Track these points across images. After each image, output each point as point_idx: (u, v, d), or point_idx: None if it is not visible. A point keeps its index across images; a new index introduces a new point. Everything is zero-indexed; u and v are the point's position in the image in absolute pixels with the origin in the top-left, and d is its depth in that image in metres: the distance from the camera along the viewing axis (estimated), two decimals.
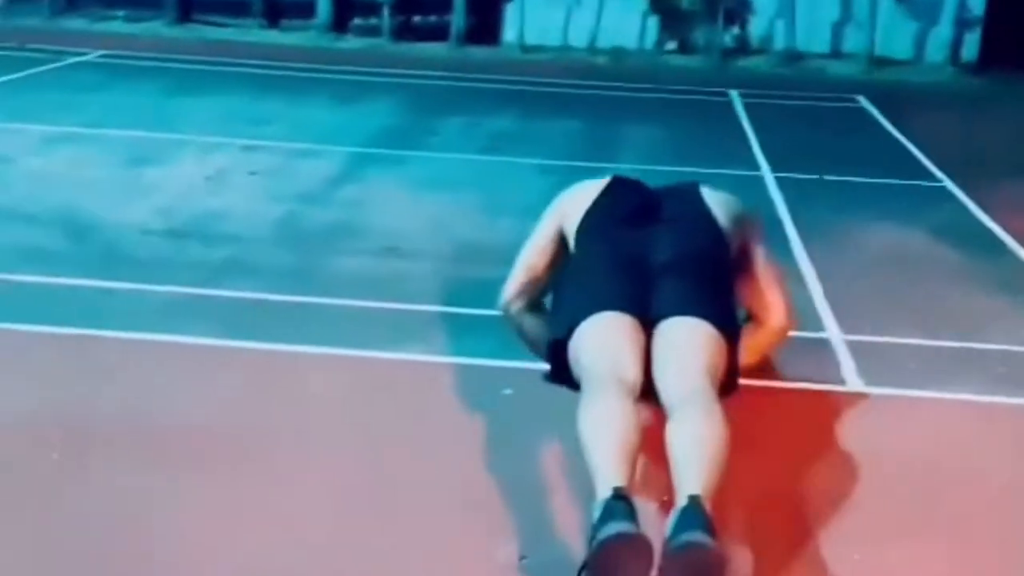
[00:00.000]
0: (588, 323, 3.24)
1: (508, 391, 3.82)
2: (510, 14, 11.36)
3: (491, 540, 2.98)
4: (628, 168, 6.70)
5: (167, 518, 3.04)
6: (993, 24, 11.08)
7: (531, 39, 11.28)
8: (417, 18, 11.88)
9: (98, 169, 6.35)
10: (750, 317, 3.79)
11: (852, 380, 4.05)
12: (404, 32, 11.54)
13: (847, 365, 4.15)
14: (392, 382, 3.93)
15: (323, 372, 3.97)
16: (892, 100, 9.42)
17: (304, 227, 5.56)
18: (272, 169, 6.51)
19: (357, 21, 11.80)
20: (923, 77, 10.88)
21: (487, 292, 4.61)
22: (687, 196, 3.71)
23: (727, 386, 3.27)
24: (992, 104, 9.79)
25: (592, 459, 2.77)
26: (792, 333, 3.89)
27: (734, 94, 9.41)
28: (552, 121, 8.23)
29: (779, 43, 11.21)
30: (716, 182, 3.89)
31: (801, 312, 4.51)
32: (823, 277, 5.01)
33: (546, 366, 3.50)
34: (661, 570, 2.55)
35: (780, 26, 11.21)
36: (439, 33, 11.42)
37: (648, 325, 3.26)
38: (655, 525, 2.74)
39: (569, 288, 3.49)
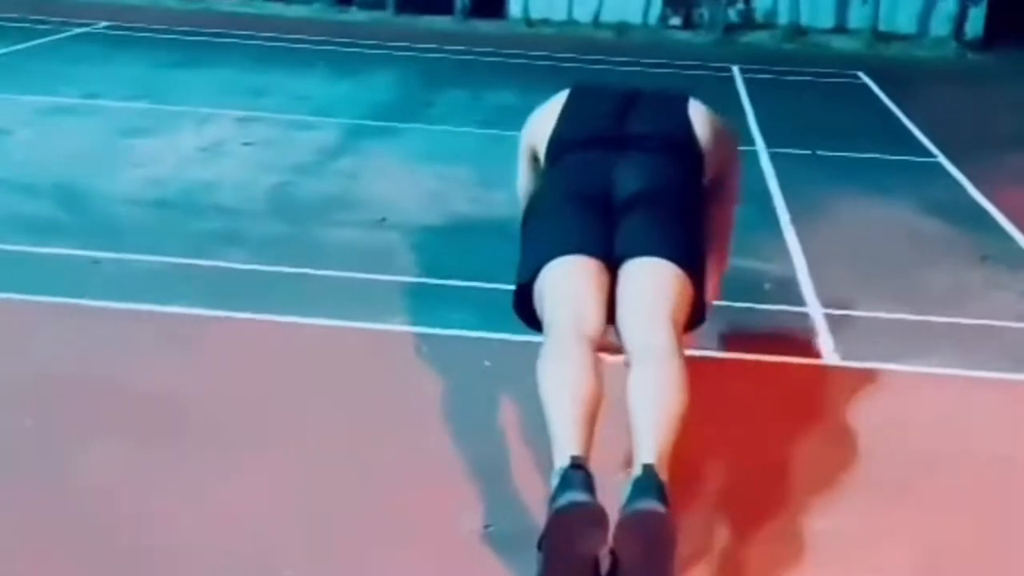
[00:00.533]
0: (550, 268, 3.15)
1: (487, 363, 3.86)
2: None
3: (458, 509, 3.03)
4: None
5: (140, 488, 3.09)
6: (999, 0, 11.04)
7: (536, 13, 11.28)
8: None
9: (92, 140, 6.39)
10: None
11: (828, 353, 4.08)
12: (408, 5, 11.53)
13: (824, 338, 4.19)
14: (373, 353, 3.98)
15: (306, 342, 4.02)
16: (893, 76, 9.40)
17: (296, 198, 5.59)
18: (267, 141, 6.54)
19: None
20: (927, 52, 10.86)
21: (475, 264, 4.68)
22: (670, 109, 3.50)
23: (694, 322, 3.23)
24: (994, 80, 9.77)
25: (551, 425, 2.78)
26: (769, 307, 3.92)
27: (735, 69, 9.40)
28: (553, 95, 8.21)
29: (783, 18, 11.18)
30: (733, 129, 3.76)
31: (782, 286, 4.56)
32: (808, 251, 5.03)
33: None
34: (615, 537, 2.59)
35: (784, 1, 11.18)
36: (444, 6, 11.41)
37: (613, 264, 3.17)
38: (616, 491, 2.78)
39: (533, 228, 3.36)
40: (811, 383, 3.86)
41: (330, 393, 3.67)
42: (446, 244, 5.01)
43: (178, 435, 3.35)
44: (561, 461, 2.69)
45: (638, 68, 9.41)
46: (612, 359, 3.10)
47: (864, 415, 3.65)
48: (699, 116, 3.48)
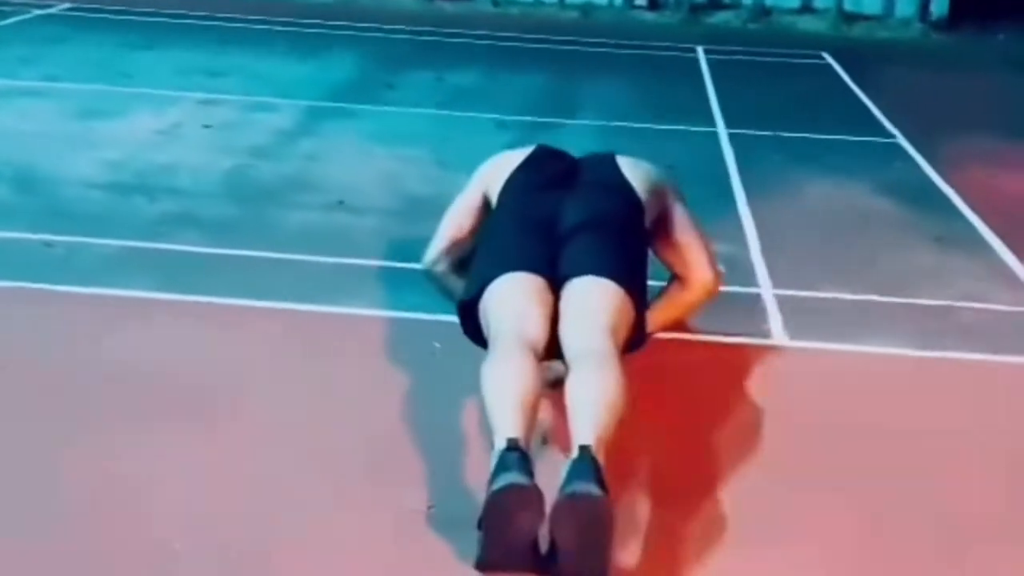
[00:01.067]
0: (496, 283, 3.31)
1: (437, 345, 3.88)
2: None
3: (402, 489, 3.05)
4: (585, 124, 6.80)
5: (102, 469, 3.10)
6: None
7: None
8: None
9: (49, 123, 6.35)
10: (674, 277, 3.86)
11: (778, 334, 4.10)
12: None
13: (775, 319, 4.21)
14: (325, 335, 3.98)
15: (258, 325, 4.02)
16: (858, 57, 9.43)
17: (254, 181, 5.58)
18: (226, 123, 6.51)
19: None
20: (891, 33, 10.89)
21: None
22: (603, 164, 3.80)
23: (633, 343, 3.33)
24: (957, 61, 9.81)
25: (490, 410, 2.84)
26: (721, 288, 3.94)
27: (700, 50, 9.41)
28: (515, 76, 8.22)
29: None
30: (671, 138, 3.97)
31: (735, 267, 4.59)
32: (762, 232, 5.06)
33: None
34: (551, 519, 2.61)
35: None
36: None
37: (557, 285, 3.33)
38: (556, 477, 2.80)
39: (482, 250, 3.57)
40: (759, 363, 3.89)
41: (282, 374, 3.68)
42: (402, 226, 5.02)
43: (130, 417, 3.36)
44: (499, 443, 2.73)
45: (603, 49, 9.40)
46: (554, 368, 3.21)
47: (812, 395, 3.69)
48: (627, 166, 3.78)
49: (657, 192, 3.77)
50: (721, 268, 3.96)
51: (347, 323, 4.07)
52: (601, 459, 2.69)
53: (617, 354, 3.08)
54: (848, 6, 11.06)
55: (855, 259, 4.86)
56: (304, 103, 7.02)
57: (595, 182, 3.71)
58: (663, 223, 3.79)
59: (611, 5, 11.24)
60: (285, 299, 4.19)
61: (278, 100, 7.05)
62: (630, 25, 10.76)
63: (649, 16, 11.16)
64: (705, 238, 3.89)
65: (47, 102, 6.78)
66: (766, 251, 4.85)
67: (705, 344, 4.01)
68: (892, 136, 6.88)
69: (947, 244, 5.07)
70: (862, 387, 3.78)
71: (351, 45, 8.99)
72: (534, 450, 2.88)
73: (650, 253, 3.75)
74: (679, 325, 3.95)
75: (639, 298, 3.37)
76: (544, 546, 2.67)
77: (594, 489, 2.59)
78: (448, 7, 11.12)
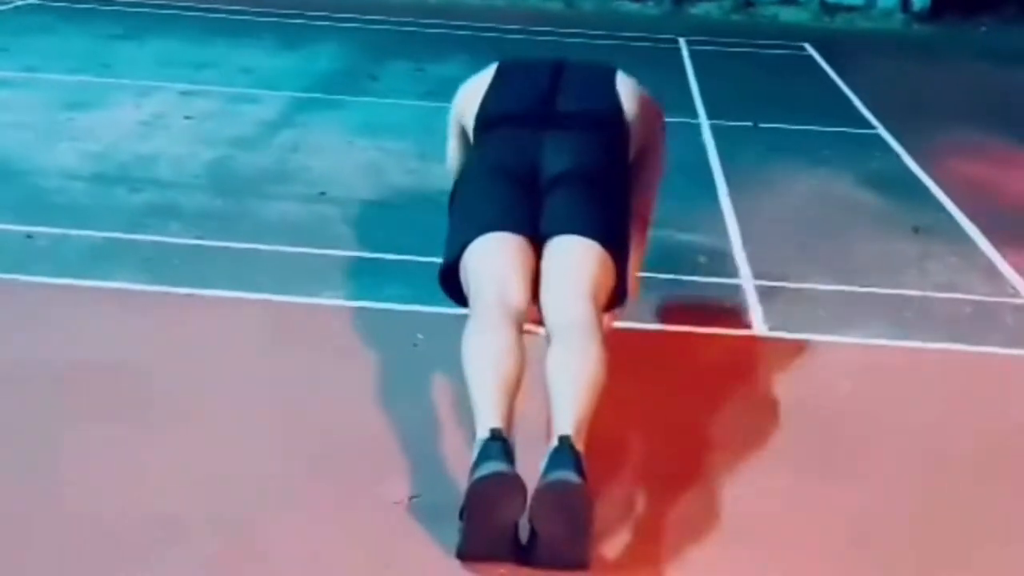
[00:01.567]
0: (476, 245, 3.19)
1: (420, 336, 3.89)
2: None
3: (386, 479, 3.06)
4: None
5: (82, 462, 3.11)
6: None
7: None
8: None
9: (30, 114, 6.32)
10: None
11: (758, 325, 4.12)
12: None
13: (755, 310, 4.23)
14: (307, 326, 3.99)
15: (240, 316, 4.02)
16: (839, 48, 9.45)
17: (235, 172, 5.58)
18: (208, 114, 6.50)
19: None
20: (873, 24, 10.91)
21: (410, 237, 4.69)
22: (597, 83, 3.51)
23: (615, 302, 3.27)
24: (938, 52, 9.84)
25: (473, 397, 2.83)
26: (702, 279, 3.96)
27: (682, 41, 9.42)
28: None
29: None
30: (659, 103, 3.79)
31: (716, 257, 4.61)
32: (743, 223, 5.08)
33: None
34: (531, 508, 2.63)
35: None
36: None
37: (538, 242, 3.21)
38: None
39: (460, 206, 3.39)
40: (739, 354, 3.91)
41: (264, 365, 3.69)
42: (382, 217, 5.02)
43: (111, 408, 3.36)
44: (481, 432, 2.73)
45: (586, 40, 9.41)
46: (540, 331, 3.15)
47: (791, 386, 3.71)
48: (626, 90, 3.51)
49: (648, 126, 3.54)
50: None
51: (329, 314, 4.07)
52: (580, 447, 2.70)
53: (598, 321, 3.02)
54: None
55: (835, 250, 4.89)
56: (286, 94, 7.01)
57: (581, 113, 3.40)
58: (640, 159, 3.54)
59: None
60: (267, 290, 4.20)
61: (260, 91, 7.04)
62: (613, 16, 10.76)
63: (632, 7, 11.16)
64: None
65: (27, 93, 6.76)
66: (747, 242, 4.87)
67: (686, 335, 4.02)
68: (873, 127, 6.91)
69: (926, 235, 5.10)
70: (844, 378, 3.80)
71: (334, 36, 8.97)
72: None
73: None
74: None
75: (622, 256, 3.25)
76: (524, 535, 2.69)
77: (574, 478, 2.60)
78: None
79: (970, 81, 8.58)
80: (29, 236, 4.58)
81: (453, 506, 2.77)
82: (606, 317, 3.21)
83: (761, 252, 4.76)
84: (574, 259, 3.15)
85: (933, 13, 11.08)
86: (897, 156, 6.33)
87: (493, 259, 3.16)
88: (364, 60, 8.17)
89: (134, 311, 4.02)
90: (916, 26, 10.95)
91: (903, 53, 9.77)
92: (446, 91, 7.19)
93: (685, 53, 9.02)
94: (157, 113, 6.45)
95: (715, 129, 6.67)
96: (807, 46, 9.47)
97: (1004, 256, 4.85)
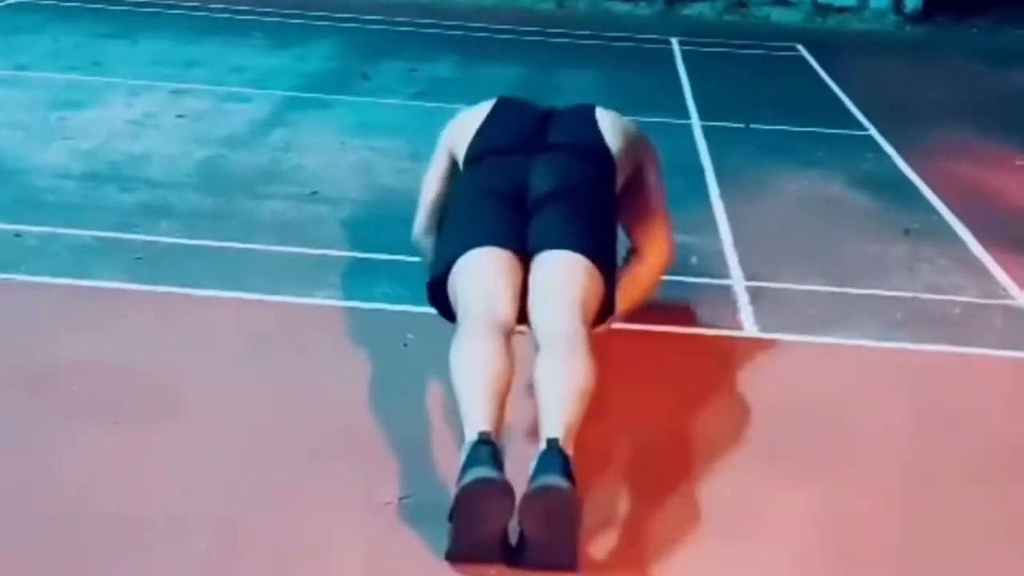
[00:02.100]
0: (464, 259, 3.25)
1: (410, 336, 3.88)
2: None
3: (375, 480, 3.06)
4: None
5: (70, 461, 3.10)
6: None
7: None
8: None
9: (20, 113, 6.30)
10: (633, 251, 3.81)
11: (748, 326, 4.13)
12: None
13: (745, 311, 4.23)
14: (298, 326, 3.99)
15: (230, 316, 4.02)
16: (831, 48, 9.46)
17: (226, 172, 5.57)
18: (200, 113, 6.49)
19: None
20: (866, 25, 10.92)
21: (402, 237, 4.66)
22: (579, 120, 3.66)
23: (603, 316, 3.30)
24: (931, 54, 9.85)
25: (462, 403, 2.84)
26: (692, 279, 3.96)
27: (675, 42, 9.43)
28: (491, 67, 8.22)
29: None
30: (645, 129, 3.90)
31: (707, 258, 4.61)
32: (734, 224, 5.08)
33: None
34: (520, 511, 2.63)
35: None
36: None
37: (526, 258, 3.26)
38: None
39: (450, 223, 3.48)
40: (728, 355, 3.91)
41: (254, 365, 3.69)
42: (374, 217, 5.02)
43: (101, 407, 3.36)
44: (470, 436, 2.74)
45: (578, 40, 9.41)
46: (526, 329, 3.17)
47: (781, 386, 3.72)
48: (607, 122, 3.66)
49: (634, 153, 3.66)
50: (675, 245, 3.95)
51: (320, 314, 4.07)
52: (569, 451, 2.71)
53: (586, 332, 3.05)
54: None
55: (826, 251, 4.89)
56: (278, 93, 7.00)
57: (567, 144, 3.57)
58: (632, 185, 3.68)
59: None
60: (258, 290, 4.19)
61: (252, 90, 7.03)
62: (605, 16, 10.76)
63: (624, 7, 11.16)
64: (667, 208, 3.84)
65: (18, 92, 6.74)
66: (738, 243, 4.87)
67: (676, 335, 4.03)
68: (865, 128, 6.92)
69: (917, 236, 5.10)
70: (832, 379, 3.81)
71: (326, 35, 8.96)
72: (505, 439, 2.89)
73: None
74: (641, 303, 3.88)
75: (609, 270, 3.31)
76: (514, 538, 2.69)
77: (562, 482, 2.60)
78: None
79: (963, 82, 8.59)
80: (18, 235, 4.57)
81: (443, 507, 2.77)
82: (594, 330, 3.23)
83: (752, 253, 4.76)
84: (562, 271, 3.22)
85: (925, 14, 11.09)
86: (889, 157, 6.34)
87: (481, 272, 3.22)
88: (356, 59, 8.16)
89: (124, 310, 4.02)
90: (908, 27, 10.97)
91: (895, 54, 9.78)
92: (438, 91, 7.33)
93: (677, 53, 9.02)
94: (148, 112, 6.44)
95: (707, 130, 6.67)
96: (799, 47, 9.47)
97: (995, 258, 4.86)
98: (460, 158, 3.65)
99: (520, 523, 2.65)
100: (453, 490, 2.70)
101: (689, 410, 3.52)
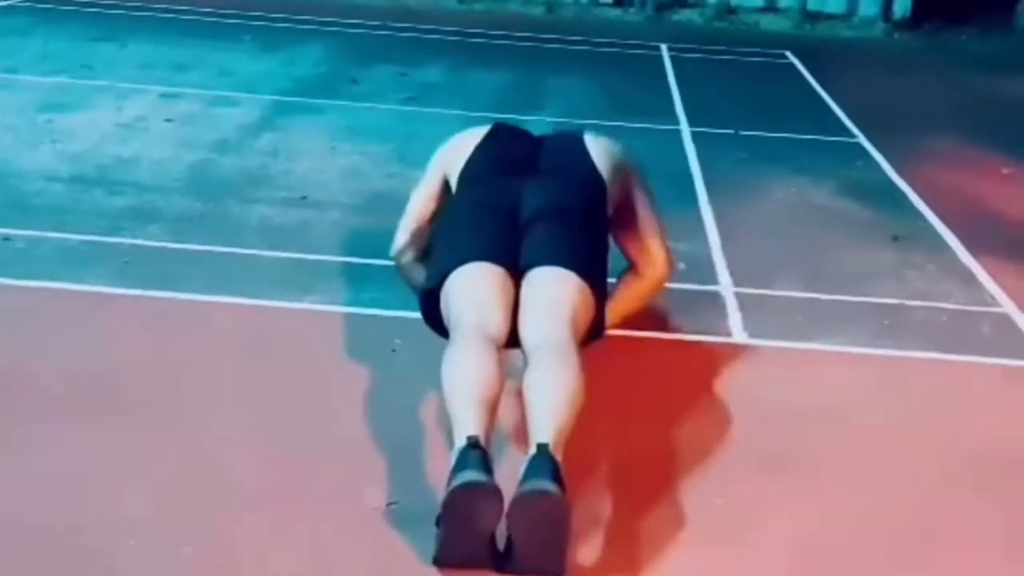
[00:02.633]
0: (457, 273, 3.30)
1: (398, 341, 3.88)
2: None
3: (363, 486, 3.06)
4: (549, 121, 6.80)
5: (59, 466, 3.09)
6: None
7: None
8: None
9: (9, 116, 6.29)
10: (630, 266, 3.88)
11: (737, 332, 4.13)
12: None
13: (734, 318, 4.24)
14: (286, 331, 3.99)
15: (219, 321, 4.01)
16: (820, 55, 9.49)
17: (215, 176, 5.56)
18: (189, 117, 6.49)
19: None
20: (854, 32, 10.96)
21: (390, 242, 4.67)
22: (569, 145, 3.77)
23: (592, 334, 3.33)
24: (919, 61, 9.88)
25: (452, 409, 2.85)
26: (681, 286, 3.97)
27: (664, 48, 9.44)
28: (481, 72, 8.23)
29: None
30: (634, 135, 3.98)
31: (695, 265, 4.61)
32: (723, 230, 5.09)
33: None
34: (508, 516, 2.63)
35: None
36: None
37: (517, 275, 3.31)
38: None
39: (443, 239, 3.54)
40: (717, 362, 3.91)
41: (241, 370, 3.68)
42: (363, 222, 5.02)
43: (86, 411, 3.35)
44: (459, 441, 2.74)
45: (568, 46, 9.42)
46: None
47: (770, 393, 3.72)
48: (595, 146, 3.76)
49: (623, 177, 3.75)
50: (673, 259, 4.02)
51: (308, 319, 4.06)
52: (559, 456, 2.71)
53: (576, 345, 3.08)
54: (811, 5, 11.12)
55: (814, 257, 4.90)
56: (267, 98, 7.00)
57: (559, 167, 3.67)
58: (625, 208, 3.77)
59: (576, 2, 11.26)
60: (247, 295, 4.19)
61: (241, 94, 7.03)
62: (595, 22, 10.78)
63: (614, 13, 11.19)
64: (662, 225, 3.91)
65: (7, 95, 6.74)
66: (727, 249, 4.88)
67: (665, 342, 4.03)
68: (854, 136, 6.93)
69: (905, 243, 5.11)
70: (820, 385, 3.81)
71: (316, 39, 8.97)
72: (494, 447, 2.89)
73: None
74: (636, 316, 3.95)
75: (599, 288, 3.37)
76: (502, 543, 2.69)
77: (551, 487, 2.60)
78: (412, 2, 11.10)
79: (950, 90, 8.63)
80: (7, 238, 4.56)
81: (430, 513, 2.76)
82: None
83: (741, 259, 4.77)
84: (552, 288, 3.26)
85: (914, 22, 11.13)
86: (877, 164, 6.35)
87: (473, 287, 3.25)
88: (345, 64, 8.17)
89: (111, 314, 4.01)
90: (897, 34, 11.01)
91: (884, 61, 9.81)
92: (428, 95, 7.33)
93: (667, 60, 9.04)
94: (137, 116, 6.43)
95: (696, 136, 6.68)
96: (788, 54, 9.50)
97: (982, 265, 4.87)
98: (454, 179, 3.71)
99: (509, 528, 2.65)
100: (441, 495, 2.70)
101: (678, 416, 3.53)
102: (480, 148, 3.73)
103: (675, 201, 5.28)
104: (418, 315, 3.83)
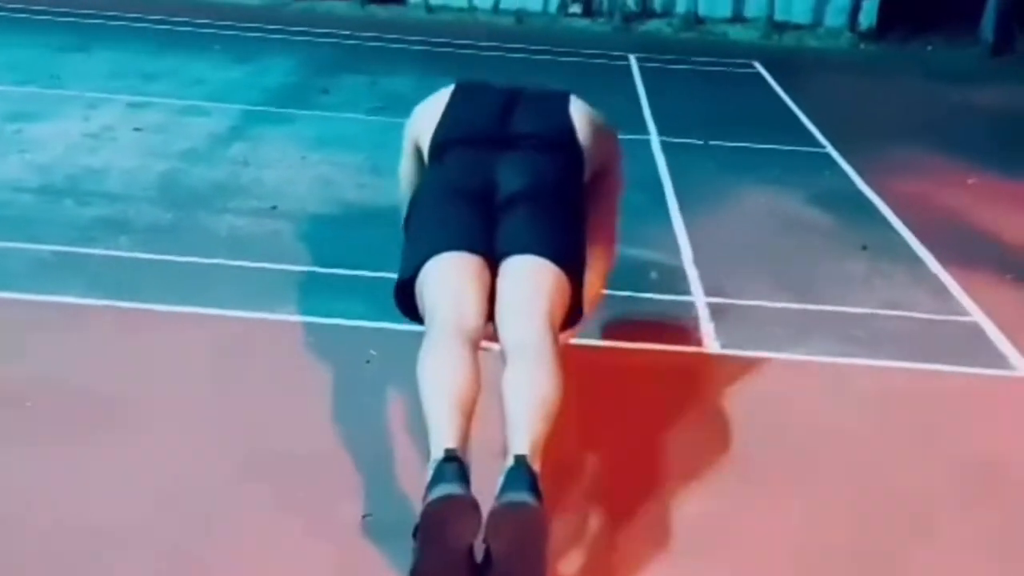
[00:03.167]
0: (432, 264, 3.18)
1: (372, 352, 3.87)
2: None
3: (337, 498, 3.05)
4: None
5: (24, 477, 3.08)
6: None
7: None
8: None
9: None
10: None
11: (709, 342, 4.15)
12: None
13: (706, 328, 4.25)
14: (258, 342, 3.97)
15: (189, 332, 3.99)
16: (788, 66, 9.53)
17: (185, 186, 5.53)
18: (158, 126, 6.45)
19: None
20: (821, 43, 11.01)
21: (362, 252, 4.67)
22: (551, 108, 3.53)
23: (570, 321, 3.27)
24: (885, 71, 9.95)
25: (428, 417, 2.81)
26: (653, 296, 3.97)
27: (632, 58, 9.47)
28: (450, 82, 8.18)
29: (681, 7, 11.26)
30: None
31: (668, 275, 4.63)
32: (694, 241, 5.10)
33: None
34: (487, 528, 2.62)
35: None
36: None
37: (493, 262, 3.21)
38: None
39: (415, 226, 3.38)
40: (691, 371, 3.93)
41: (213, 381, 3.66)
42: (334, 232, 5.01)
43: (56, 424, 3.33)
44: (436, 453, 2.72)
45: (536, 56, 9.43)
46: (495, 347, 3.15)
47: (741, 402, 3.73)
48: (579, 114, 3.53)
49: (603, 148, 3.56)
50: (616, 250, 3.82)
51: (280, 329, 4.05)
52: (536, 467, 2.70)
53: (554, 342, 3.02)
54: (779, 15, 11.18)
55: (785, 267, 4.93)
56: (237, 107, 6.97)
57: (535, 134, 3.43)
58: (596, 183, 3.56)
59: (545, 12, 11.27)
60: (217, 305, 4.17)
61: (211, 104, 6.99)
62: (564, 32, 10.80)
63: (582, 23, 11.21)
64: (618, 218, 3.77)
65: None
66: (698, 259, 4.90)
67: (638, 351, 4.04)
68: (822, 145, 6.97)
69: (874, 253, 5.15)
70: (792, 394, 3.83)
71: (285, 50, 8.93)
72: None
73: None
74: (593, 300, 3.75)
75: (577, 275, 3.26)
76: (480, 555, 2.68)
77: (529, 498, 2.60)
78: (382, 12, 11.08)
79: (916, 100, 8.69)
80: None
81: (406, 525, 2.75)
82: (563, 334, 3.22)
83: (712, 269, 4.79)
84: (530, 279, 3.16)
85: (880, 32, 11.20)
86: (845, 174, 6.39)
87: (449, 278, 3.16)
88: (316, 74, 8.14)
89: (81, 326, 3.98)
90: (863, 45, 11.07)
91: (851, 72, 9.86)
92: (398, 105, 7.28)
93: (635, 70, 9.06)
94: (106, 125, 6.39)
95: (666, 146, 6.70)
96: (756, 64, 9.54)
97: (951, 274, 4.91)
98: (424, 150, 3.52)
99: (487, 540, 2.63)
100: (417, 507, 2.68)
101: (653, 426, 3.54)
102: (447, 113, 3.49)
103: (646, 211, 5.32)
104: (392, 325, 3.83)
